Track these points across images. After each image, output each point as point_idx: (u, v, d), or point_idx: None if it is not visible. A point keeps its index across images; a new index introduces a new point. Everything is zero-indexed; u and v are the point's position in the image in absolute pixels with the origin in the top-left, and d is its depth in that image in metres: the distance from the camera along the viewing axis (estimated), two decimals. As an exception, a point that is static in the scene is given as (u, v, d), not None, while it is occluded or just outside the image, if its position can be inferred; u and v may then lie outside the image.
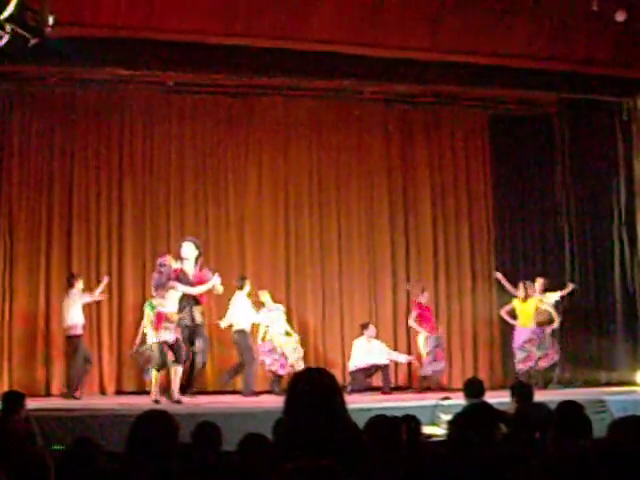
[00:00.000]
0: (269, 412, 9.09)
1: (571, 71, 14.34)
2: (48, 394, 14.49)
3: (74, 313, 13.85)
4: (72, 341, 13.87)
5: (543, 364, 14.94)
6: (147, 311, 12.81)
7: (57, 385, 14.67)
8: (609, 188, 15.74)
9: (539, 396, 10.71)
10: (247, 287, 14.45)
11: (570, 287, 15.46)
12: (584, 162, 16.05)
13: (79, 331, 13.91)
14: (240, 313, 14.25)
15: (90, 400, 13.40)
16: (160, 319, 12.64)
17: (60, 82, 14.76)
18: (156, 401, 12.36)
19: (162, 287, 12.85)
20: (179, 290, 12.96)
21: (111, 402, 13.20)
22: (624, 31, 13.68)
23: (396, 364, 15.63)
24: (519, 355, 14.99)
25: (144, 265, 15.39)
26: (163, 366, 12.61)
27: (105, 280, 14.48)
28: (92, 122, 15.46)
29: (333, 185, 16.50)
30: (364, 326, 15.10)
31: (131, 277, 15.36)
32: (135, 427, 4.52)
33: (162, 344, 12.56)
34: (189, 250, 13.55)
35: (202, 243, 15.06)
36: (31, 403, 9.59)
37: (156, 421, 4.58)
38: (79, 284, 14.01)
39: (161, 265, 13.04)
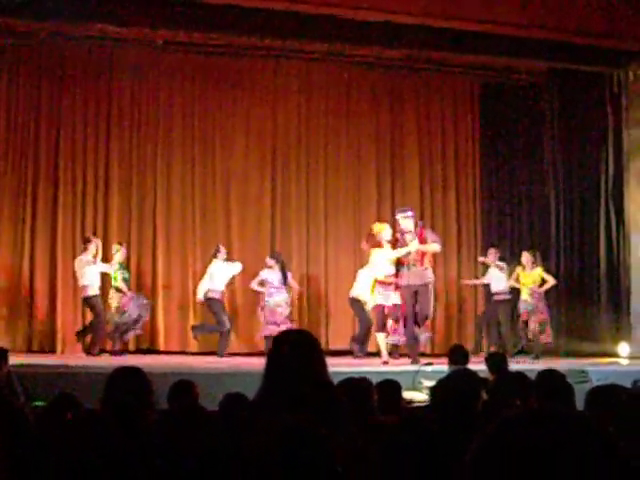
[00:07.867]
0: (249, 373, 9.12)
1: (562, 41, 14.25)
2: (30, 350, 14.49)
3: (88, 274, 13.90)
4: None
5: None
6: None
7: (39, 341, 14.69)
8: (597, 159, 15.68)
9: (522, 365, 10.78)
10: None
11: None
12: (573, 132, 16.01)
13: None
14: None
15: (72, 358, 13.38)
16: None
17: (49, 38, 14.59)
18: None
19: None
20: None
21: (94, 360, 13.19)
22: (616, 2, 13.64)
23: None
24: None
25: (129, 222, 15.42)
26: None
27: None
28: (80, 79, 15.39)
29: (321, 148, 16.48)
30: None
31: (116, 234, 15.27)
32: (109, 384, 4.58)
33: None
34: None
35: (188, 202, 15.14)
36: (13, 359, 9.58)
37: (129, 378, 4.63)
38: (92, 249, 13.98)
39: None
